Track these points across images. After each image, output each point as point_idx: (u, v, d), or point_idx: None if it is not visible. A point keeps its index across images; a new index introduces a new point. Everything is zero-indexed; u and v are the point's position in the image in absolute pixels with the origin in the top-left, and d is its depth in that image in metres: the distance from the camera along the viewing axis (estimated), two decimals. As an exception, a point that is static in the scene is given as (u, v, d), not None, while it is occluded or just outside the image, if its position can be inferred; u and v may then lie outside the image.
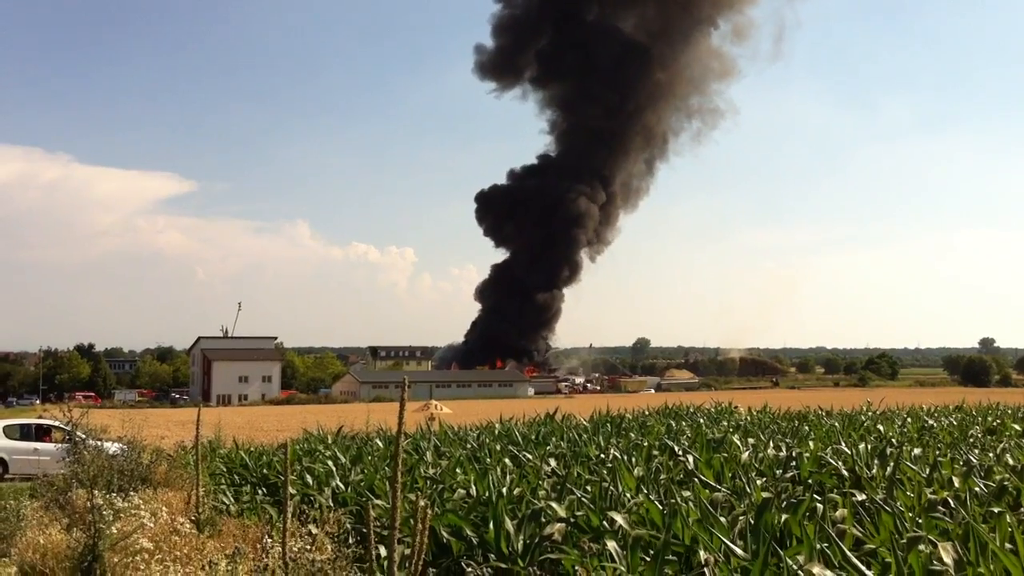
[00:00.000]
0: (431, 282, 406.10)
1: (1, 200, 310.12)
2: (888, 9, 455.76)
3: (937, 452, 12.94)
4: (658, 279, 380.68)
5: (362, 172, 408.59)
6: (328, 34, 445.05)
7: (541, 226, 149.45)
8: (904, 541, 6.50)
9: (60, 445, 18.75)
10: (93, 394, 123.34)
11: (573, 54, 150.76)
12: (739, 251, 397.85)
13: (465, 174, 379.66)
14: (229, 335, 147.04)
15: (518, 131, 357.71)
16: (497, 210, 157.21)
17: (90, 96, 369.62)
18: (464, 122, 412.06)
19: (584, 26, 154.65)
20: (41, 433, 28.38)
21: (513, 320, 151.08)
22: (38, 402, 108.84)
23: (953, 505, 8.75)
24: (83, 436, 14.66)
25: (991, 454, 12.89)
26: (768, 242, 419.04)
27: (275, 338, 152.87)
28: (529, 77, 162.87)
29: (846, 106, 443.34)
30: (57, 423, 18.83)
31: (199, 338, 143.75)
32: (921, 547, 6.29)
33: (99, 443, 15.52)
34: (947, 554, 6.16)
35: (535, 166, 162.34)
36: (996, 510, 8.02)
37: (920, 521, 7.65)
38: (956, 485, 9.83)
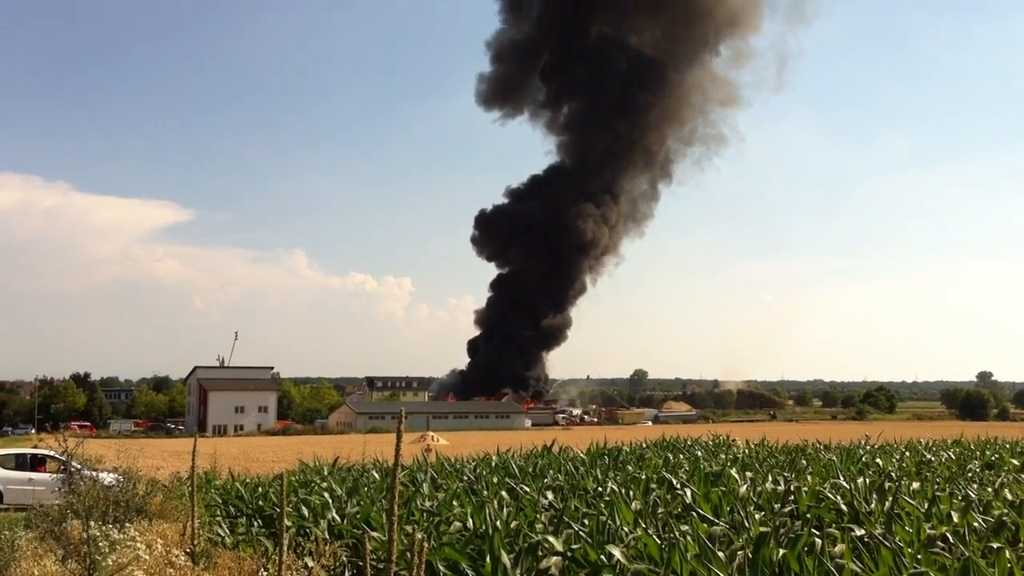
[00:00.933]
0: (428, 312, 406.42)
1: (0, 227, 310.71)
2: (885, 42, 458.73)
3: (936, 486, 12.89)
4: (656, 311, 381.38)
5: (360, 202, 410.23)
6: (327, 65, 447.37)
7: (547, 249, 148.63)
8: (903, 577, 6.46)
9: (55, 475, 18.67)
10: (88, 424, 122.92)
11: (580, 70, 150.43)
12: (737, 283, 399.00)
13: (463, 204, 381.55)
14: (225, 365, 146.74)
15: (518, 160, 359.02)
16: (499, 232, 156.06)
17: (89, 124, 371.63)
18: (463, 152, 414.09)
19: (589, 42, 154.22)
20: (36, 463, 28.26)
21: (513, 346, 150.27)
22: (33, 431, 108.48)
23: (952, 540, 8.72)
24: (78, 466, 14.60)
25: (989, 489, 12.85)
26: (767, 274, 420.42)
27: (272, 368, 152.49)
28: (533, 100, 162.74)
29: (845, 139, 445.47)
30: (52, 453, 18.75)
31: (195, 368, 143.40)
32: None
33: (94, 473, 15.46)
34: (947, 590, 6.13)
35: (540, 181, 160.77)
36: (995, 546, 8.00)
37: (919, 557, 7.62)
38: (955, 520, 9.79)
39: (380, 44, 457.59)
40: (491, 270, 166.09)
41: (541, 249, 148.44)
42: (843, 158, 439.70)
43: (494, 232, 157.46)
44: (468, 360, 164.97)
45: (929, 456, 20.25)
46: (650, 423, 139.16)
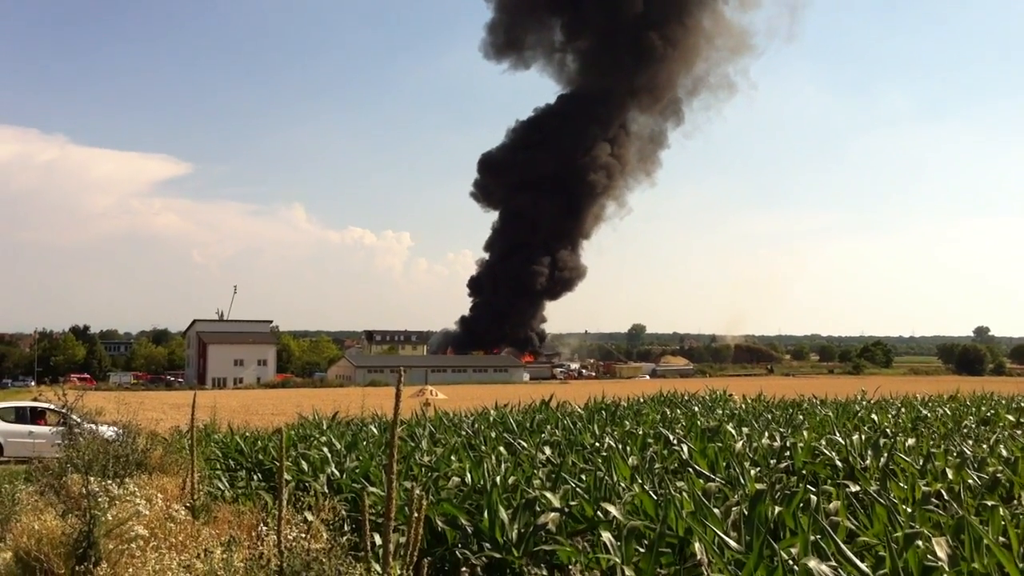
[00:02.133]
0: (427, 266, 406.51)
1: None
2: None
3: (931, 443, 12.98)
4: (654, 265, 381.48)
5: (359, 155, 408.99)
6: (324, 16, 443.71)
7: (557, 194, 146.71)
8: (899, 535, 6.51)
9: (55, 428, 18.74)
10: (88, 376, 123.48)
11: (593, 5, 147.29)
12: (735, 237, 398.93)
13: (463, 157, 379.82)
14: (225, 318, 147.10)
15: (518, 112, 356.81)
16: (504, 179, 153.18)
17: (86, 77, 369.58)
18: (462, 104, 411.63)
19: None
20: (36, 416, 28.37)
21: (517, 295, 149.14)
22: (33, 384, 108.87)
23: (946, 497, 8.79)
24: (78, 420, 14.64)
25: (984, 445, 12.94)
26: (764, 229, 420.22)
27: (271, 322, 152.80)
28: (540, 44, 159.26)
29: (844, 93, 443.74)
30: (52, 406, 18.81)
31: (194, 321, 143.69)
32: (917, 542, 6.31)
33: (94, 426, 15.51)
34: (941, 548, 6.18)
35: (545, 120, 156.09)
36: (989, 503, 8.06)
37: (914, 514, 7.68)
38: (950, 477, 9.86)
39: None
40: (490, 223, 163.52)
41: (550, 195, 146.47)
42: (842, 112, 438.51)
43: (500, 177, 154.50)
44: (469, 309, 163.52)
45: (925, 412, 20.37)
46: (647, 377, 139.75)
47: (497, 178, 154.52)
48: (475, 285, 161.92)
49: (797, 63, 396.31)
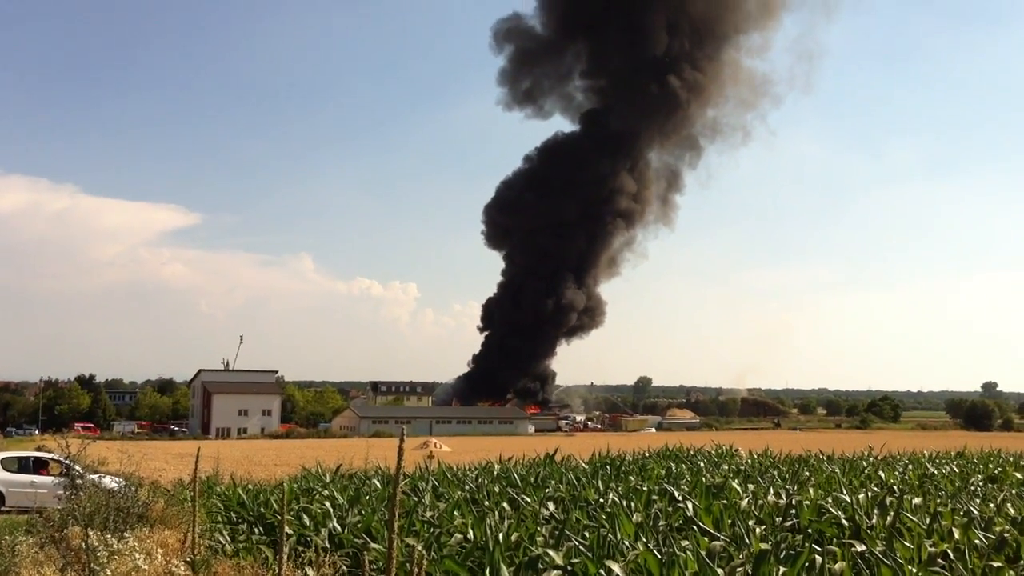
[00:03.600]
0: (434, 317, 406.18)
1: (7, 230, 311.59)
2: (894, 50, 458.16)
3: (938, 501, 12.88)
4: (661, 317, 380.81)
5: (367, 207, 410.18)
6: (333, 69, 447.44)
7: (575, 233, 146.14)
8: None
9: (57, 479, 18.68)
10: (92, 425, 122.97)
11: (616, 40, 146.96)
12: (742, 291, 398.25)
13: (470, 210, 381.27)
14: (230, 368, 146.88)
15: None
16: (518, 213, 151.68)
17: (97, 127, 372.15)
18: (470, 156, 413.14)
19: (614, 34, 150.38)
20: (39, 466, 28.28)
21: (524, 341, 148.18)
22: (37, 432, 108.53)
23: (953, 558, 8.70)
24: (80, 471, 14.58)
25: (992, 504, 12.83)
26: (772, 283, 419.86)
27: (276, 371, 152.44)
28: (557, 86, 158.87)
29: (851, 146, 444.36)
30: (55, 456, 18.76)
31: (200, 370, 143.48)
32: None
33: (97, 477, 15.46)
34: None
35: (564, 147, 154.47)
36: (996, 564, 7.98)
37: (919, 575, 7.60)
38: (956, 537, 9.76)
39: (386, 48, 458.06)
40: (496, 274, 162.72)
41: (568, 237, 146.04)
42: (849, 166, 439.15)
43: (514, 215, 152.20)
44: (474, 357, 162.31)
45: (932, 469, 20.22)
46: (653, 430, 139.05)
47: (511, 216, 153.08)
48: (487, 318, 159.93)
49: (806, 115, 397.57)
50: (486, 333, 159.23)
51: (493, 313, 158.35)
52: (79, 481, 13.59)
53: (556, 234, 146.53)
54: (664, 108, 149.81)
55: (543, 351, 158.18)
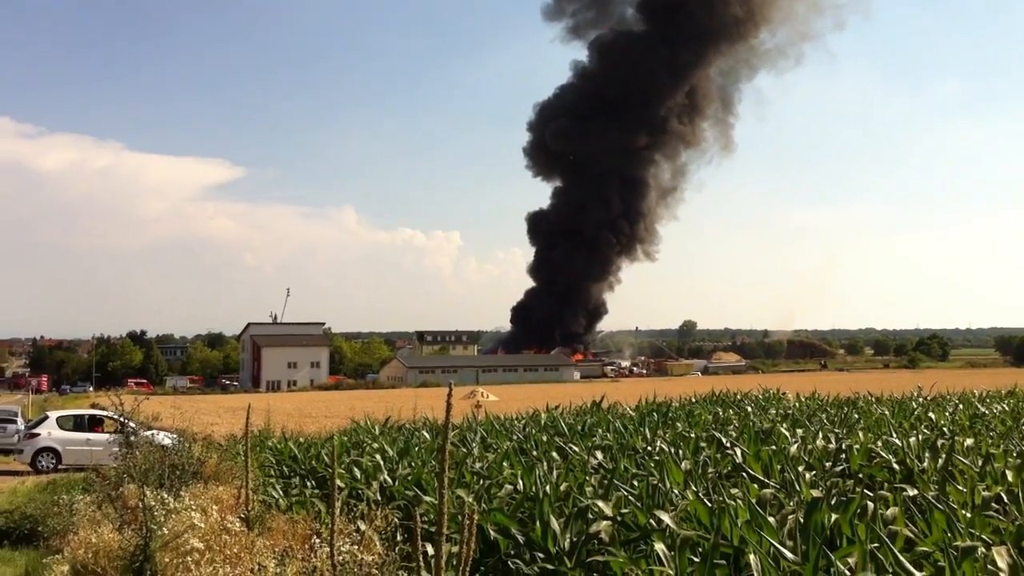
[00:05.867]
0: (476, 265, 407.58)
1: (54, 188, 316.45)
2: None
3: (989, 442, 12.73)
4: (705, 261, 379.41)
5: (408, 157, 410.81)
6: (374, 22, 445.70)
7: (614, 189, 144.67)
8: (958, 543, 6.39)
9: (112, 436, 19.04)
10: (145, 381, 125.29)
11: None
12: (787, 233, 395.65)
13: (509, 156, 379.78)
14: (278, 321, 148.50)
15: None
16: (567, 141, 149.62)
17: (141, 85, 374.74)
18: (510, 103, 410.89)
19: None
20: (93, 423, 28.87)
21: (570, 286, 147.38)
22: (91, 389, 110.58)
23: (1007, 501, 8.60)
24: (134, 428, 14.81)
25: (1045, 445, 12.66)
26: (816, 223, 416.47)
27: (323, 324, 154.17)
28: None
29: (897, 86, 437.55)
30: (109, 413, 19.08)
31: (249, 324, 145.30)
32: (979, 550, 6.18)
33: (151, 433, 15.70)
34: (1001, 558, 6.04)
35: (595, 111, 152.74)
36: (1051, 508, 7.88)
37: (974, 519, 7.53)
38: (1010, 479, 9.65)
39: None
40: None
41: (605, 189, 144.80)
42: (896, 105, 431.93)
43: (564, 142, 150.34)
44: (519, 304, 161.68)
45: (983, 409, 19.99)
46: (699, 374, 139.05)
47: (564, 141, 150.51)
48: (534, 231, 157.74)
49: (846, 57, 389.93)
50: (537, 252, 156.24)
51: (540, 225, 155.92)
52: (133, 438, 13.81)
53: (614, 157, 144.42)
54: (722, 27, 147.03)
55: (597, 272, 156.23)
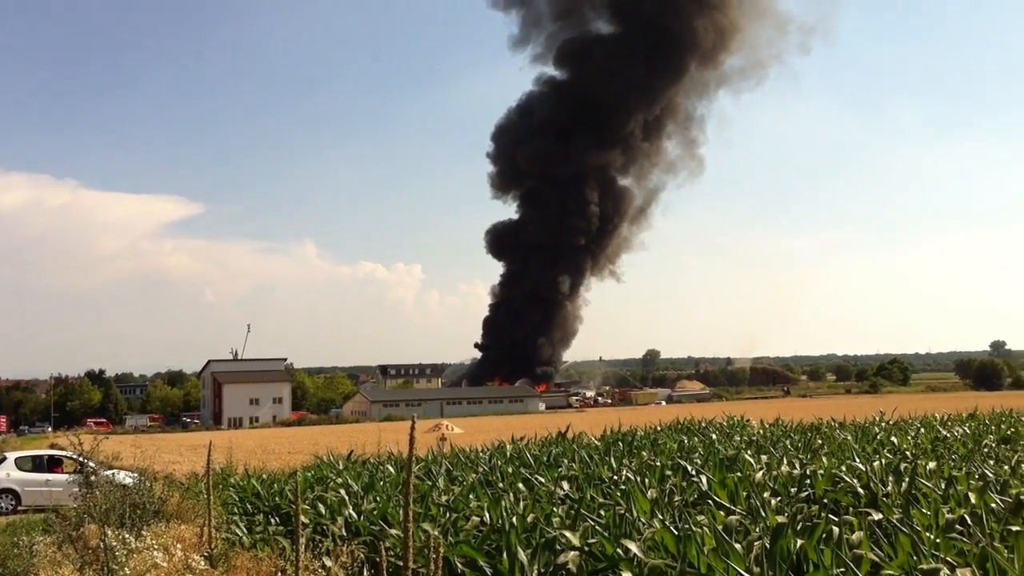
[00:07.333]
0: (439, 298, 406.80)
1: (10, 226, 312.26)
2: (894, 12, 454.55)
3: (952, 465, 12.86)
4: (667, 288, 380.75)
5: (368, 190, 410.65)
6: (330, 52, 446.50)
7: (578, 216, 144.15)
8: (923, 566, 6.43)
9: (72, 476, 18.77)
10: (104, 420, 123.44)
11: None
12: (747, 259, 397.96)
13: (471, 189, 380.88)
14: (239, 357, 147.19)
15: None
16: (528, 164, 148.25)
17: (96, 121, 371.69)
18: (469, 134, 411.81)
19: None
20: (53, 464, 28.41)
21: (529, 324, 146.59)
22: (50, 430, 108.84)
23: (970, 522, 8.68)
24: (94, 467, 14.59)
25: (1006, 466, 12.80)
26: (775, 249, 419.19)
27: (285, 359, 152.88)
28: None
29: (853, 109, 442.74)
30: (69, 454, 18.81)
31: (209, 361, 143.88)
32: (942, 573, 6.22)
33: (111, 473, 15.48)
34: (966, 579, 6.09)
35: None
36: (1014, 528, 7.95)
37: (938, 542, 7.58)
38: (972, 501, 9.73)
39: (384, 30, 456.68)
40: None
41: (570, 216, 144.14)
42: (852, 129, 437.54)
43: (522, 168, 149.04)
44: (481, 337, 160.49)
45: (944, 432, 20.19)
46: (664, 403, 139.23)
47: (519, 168, 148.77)
48: (497, 244, 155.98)
49: (808, 75, 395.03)
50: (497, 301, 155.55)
51: (503, 240, 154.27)
52: (93, 478, 13.62)
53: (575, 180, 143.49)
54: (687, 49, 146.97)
55: (568, 290, 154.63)
